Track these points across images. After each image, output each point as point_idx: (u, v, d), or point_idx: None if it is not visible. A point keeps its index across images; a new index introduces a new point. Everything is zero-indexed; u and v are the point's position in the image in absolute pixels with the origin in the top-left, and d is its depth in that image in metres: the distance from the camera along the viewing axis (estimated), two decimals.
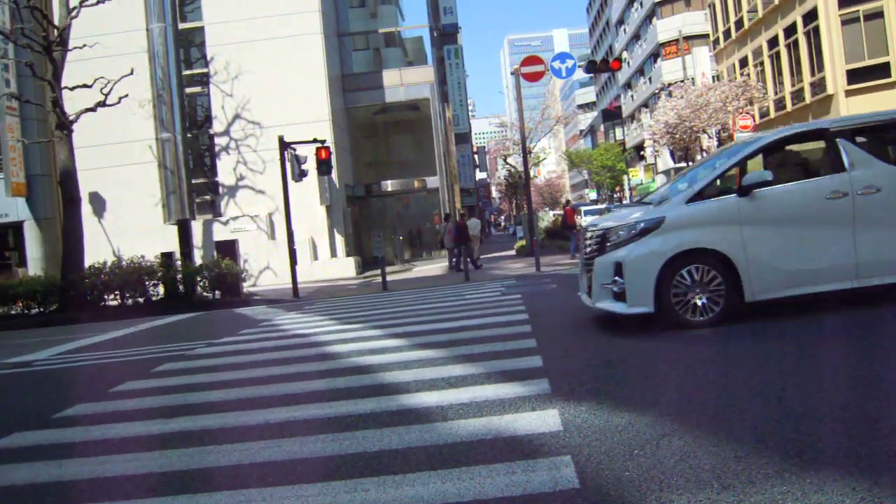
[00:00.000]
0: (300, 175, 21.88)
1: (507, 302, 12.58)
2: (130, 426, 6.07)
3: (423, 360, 7.59)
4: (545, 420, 4.82)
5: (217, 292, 20.06)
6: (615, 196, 76.41)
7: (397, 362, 7.63)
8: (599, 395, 5.39)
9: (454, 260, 24.62)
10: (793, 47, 32.24)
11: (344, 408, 5.84)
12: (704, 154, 36.99)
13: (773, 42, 34.36)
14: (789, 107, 32.91)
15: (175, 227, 22.13)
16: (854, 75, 28.38)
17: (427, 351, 8.07)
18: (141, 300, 19.55)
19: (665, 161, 53.91)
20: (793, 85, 32.57)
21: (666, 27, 56.04)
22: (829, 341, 6.90)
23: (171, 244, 21.86)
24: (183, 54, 27.69)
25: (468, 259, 21.15)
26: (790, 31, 32.22)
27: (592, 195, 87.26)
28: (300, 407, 6.07)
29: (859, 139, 7.93)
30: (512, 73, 24.89)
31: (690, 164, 39.36)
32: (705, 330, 7.52)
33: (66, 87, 21.02)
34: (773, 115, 34.84)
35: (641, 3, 62.85)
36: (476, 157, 65.75)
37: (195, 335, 13.19)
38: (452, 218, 28.41)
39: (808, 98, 30.86)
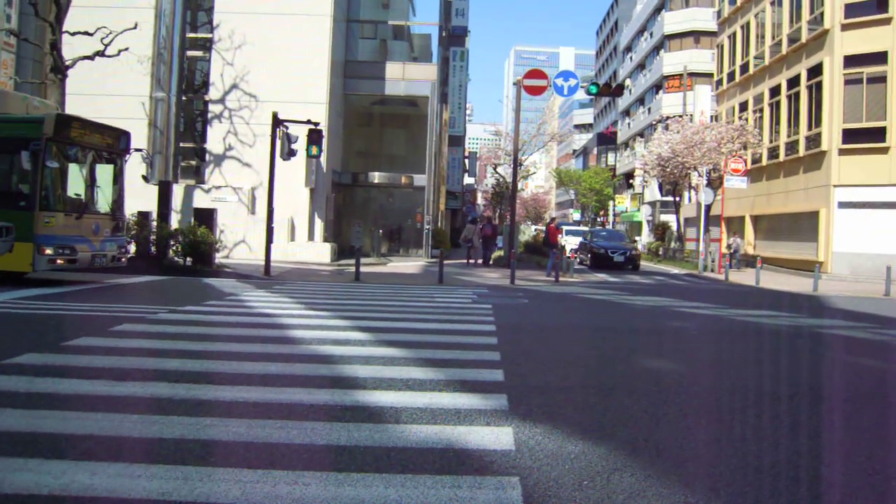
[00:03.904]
0: (289, 154, 21.64)
1: (477, 311, 12.50)
2: (79, 384, 5.92)
3: (384, 357, 7.49)
4: (498, 437, 4.74)
5: (189, 259, 19.84)
6: (598, 220, 76.67)
7: (358, 356, 7.52)
8: (557, 418, 5.31)
9: (481, 257, 29.95)
10: (793, 99, 32.48)
11: (297, 396, 5.72)
12: (693, 191, 37.15)
13: (774, 91, 34.60)
14: (782, 156, 33.15)
15: (156, 188, 21.83)
16: (850, 135, 28.62)
17: (390, 349, 7.97)
18: None
19: (653, 192, 54.15)
20: (788, 136, 32.81)
21: (672, 61, 56.33)
22: None
23: (150, 204, 21.51)
24: (190, 16, 27.34)
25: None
26: (793, 82, 32.46)
27: (576, 215, 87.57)
28: (253, 388, 5.95)
29: None
30: (514, 84, 24.85)
31: (678, 199, 39.60)
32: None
33: (66, 32, 20.73)
34: (765, 162, 35.07)
35: (651, 34, 63.14)
36: (467, 161, 65.63)
37: (160, 299, 13.02)
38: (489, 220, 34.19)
39: (801, 151, 31.09)
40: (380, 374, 6.61)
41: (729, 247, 32.99)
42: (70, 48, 21.14)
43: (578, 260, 31.71)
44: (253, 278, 18.68)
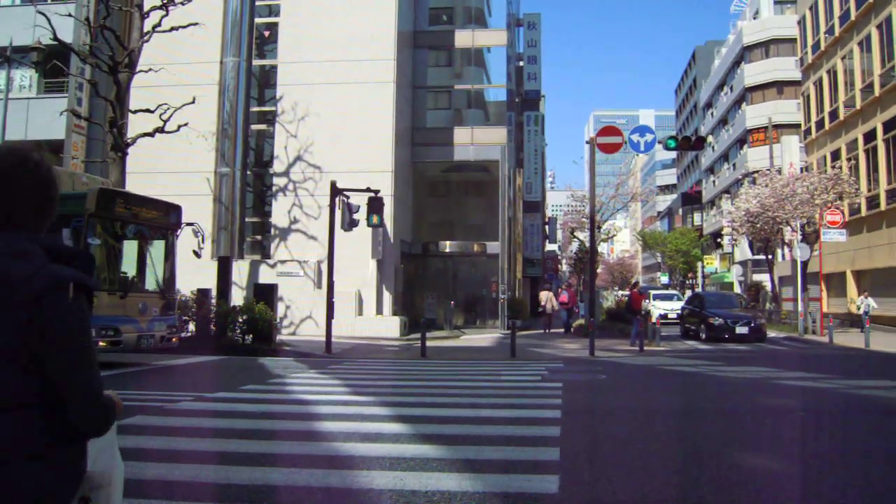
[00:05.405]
0: (350, 224, 20.75)
1: (544, 392, 10.94)
2: None
3: (415, 458, 6.11)
4: None
5: (249, 337, 18.90)
6: (687, 282, 73.70)
7: (385, 457, 6.16)
8: None
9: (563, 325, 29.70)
10: (891, 143, 30.13)
11: None
12: (786, 247, 34.76)
13: (869, 136, 32.28)
14: (883, 205, 30.63)
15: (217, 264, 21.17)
16: None
17: (426, 446, 6.56)
18: None
19: (743, 251, 51.50)
20: (889, 183, 30.37)
21: (755, 113, 54.11)
22: None
23: (212, 281, 20.83)
24: (254, 91, 27.21)
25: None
26: (889, 125, 30.16)
27: (664, 279, 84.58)
28: None
29: None
30: (587, 143, 23.56)
31: (771, 257, 37.07)
32: None
33: (129, 111, 20.58)
34: (864, 212, 32.53)
35: (731, 88, 61.11)
36: (547, 227, 64.06)
37: (196, 384, 11.99)
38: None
39: None
40: (401, 485, 5.23)
41: (858, 307, 30.22)
42: (135, 127, 20.97)
43: (685, 331, 28.18)
44: (312, 357, 17.57)
